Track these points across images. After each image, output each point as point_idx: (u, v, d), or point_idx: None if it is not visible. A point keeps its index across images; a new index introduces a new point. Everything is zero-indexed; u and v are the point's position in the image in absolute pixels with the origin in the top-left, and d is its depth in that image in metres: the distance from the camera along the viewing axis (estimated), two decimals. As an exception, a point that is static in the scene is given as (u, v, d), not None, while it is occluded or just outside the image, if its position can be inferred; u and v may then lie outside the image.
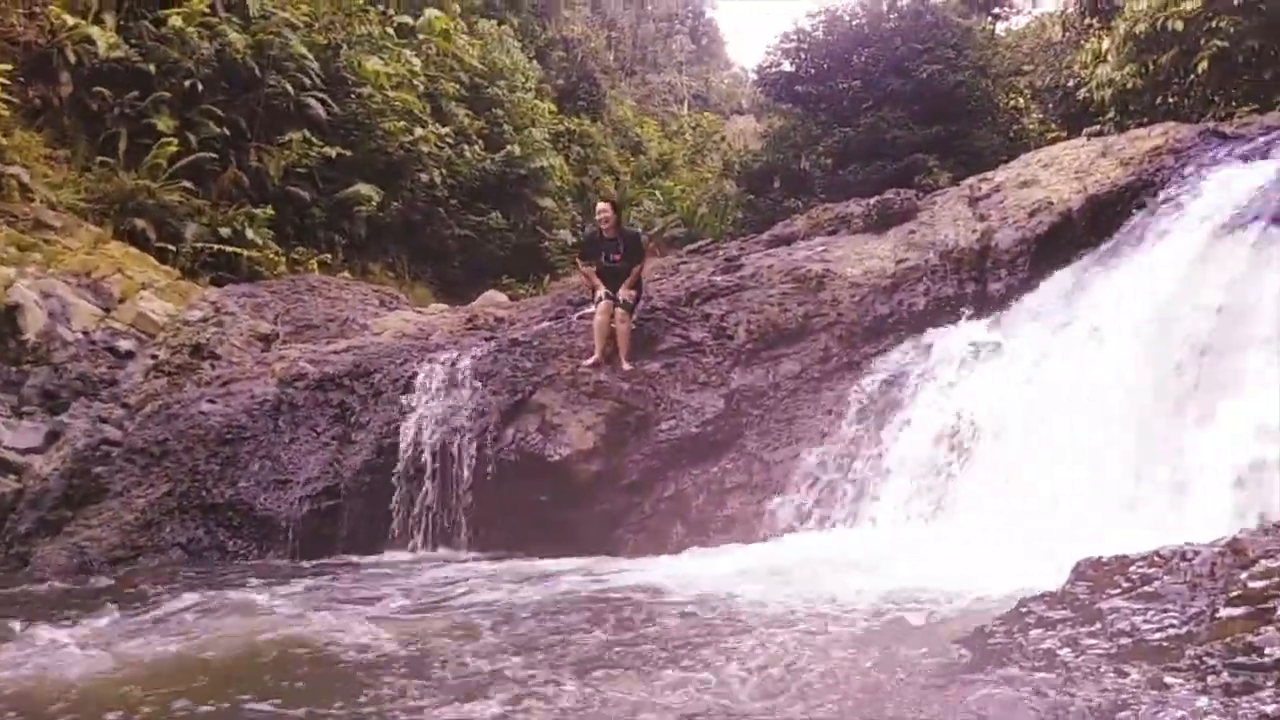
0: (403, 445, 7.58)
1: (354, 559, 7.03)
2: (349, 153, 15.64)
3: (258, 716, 3.22)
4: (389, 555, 7.19)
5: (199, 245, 12.70)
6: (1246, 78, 12.56)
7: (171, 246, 12.29)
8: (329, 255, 15.17)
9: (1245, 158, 7.31)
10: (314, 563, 6.95)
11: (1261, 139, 7.55)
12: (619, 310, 7.97)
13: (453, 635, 4.24)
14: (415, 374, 8.10)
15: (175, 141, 13.09)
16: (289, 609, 4.90)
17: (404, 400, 7.89)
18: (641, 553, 6.68)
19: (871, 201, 9.41)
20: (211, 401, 8.29)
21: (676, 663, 3.53)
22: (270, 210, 13.95)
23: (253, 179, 14.34)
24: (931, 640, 3.36)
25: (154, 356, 9.45)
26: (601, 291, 8.09)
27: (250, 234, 13.34)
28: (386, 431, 7.73)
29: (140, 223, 12.20)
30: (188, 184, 13.11)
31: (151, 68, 13.51)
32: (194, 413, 8.15)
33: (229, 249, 12.93)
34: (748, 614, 4.26)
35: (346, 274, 14.33)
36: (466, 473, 7.44)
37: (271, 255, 13.60)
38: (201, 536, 7.43)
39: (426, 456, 7.49)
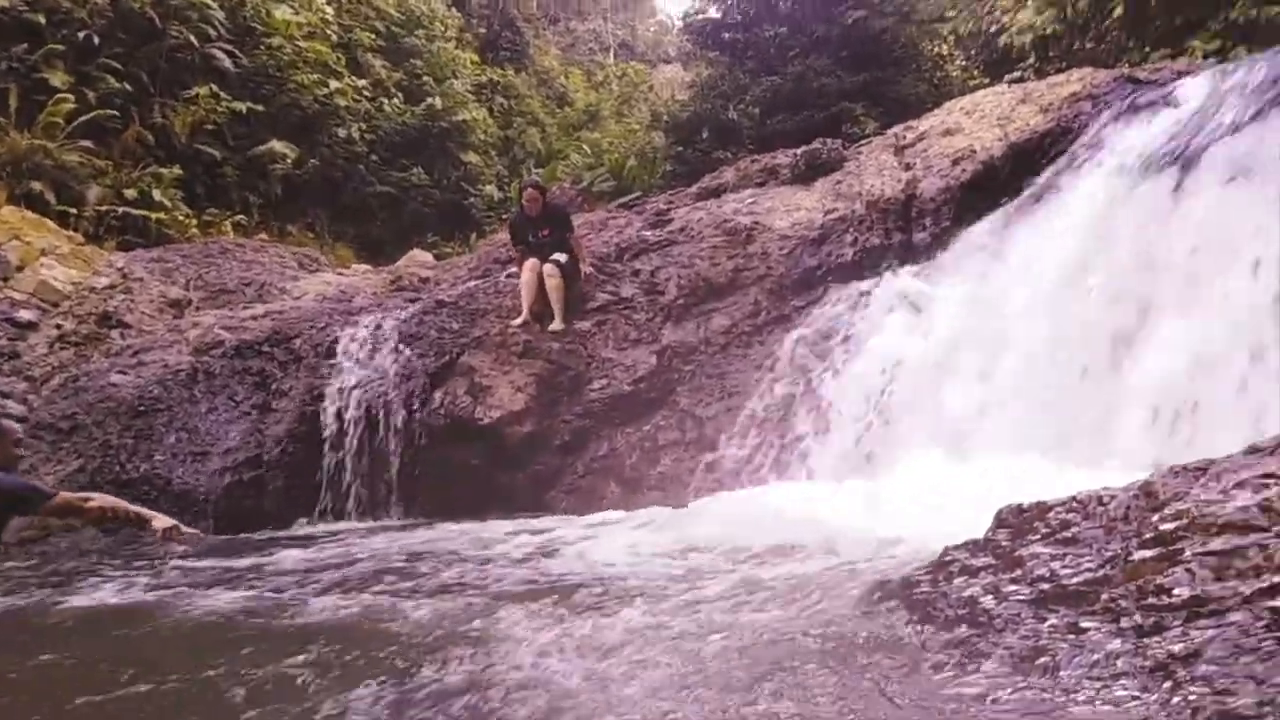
0: (327, 413, 7.38)
1: (278, 533, 6.85)
2: (260, 108, 15.02)
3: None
4: (317, 527, 7.03)
5: (103, 208, 12.10)
6: (1159, 23, 12.79)
7: (73, 210, 11.67)
8: (243, 216, 14.61)
9: (1157, 103, 7.44)
10: (227, 539, 6.73)
11: (1173, 84, 7.69)
12: (547, 266, 7.83)
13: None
14: (337, 338, 7.88)
15: (72, 98, 12.38)
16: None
17: (326, 366, 7.67)
18: (574, 513, 6.65)
19: (799, 152, 9.37)
20: (122, 372, 7.96)
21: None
22: (178, 170, 13.35)
23: (158, 137, 13.68)
24: (861, 592, 3.38)
25: (58, 326, 9.01)
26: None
27: (158, 195, 12.75)
28: (309, 399, 7.52)
29: (38, 185, 11.55)
30: (88, 143, 12.44)
31: (41, 18, 12.72)
32: (104, 384, 7.82)
33: (135, 212, 12.34)
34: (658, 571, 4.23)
35: (263, 236, 13.83)
36: (395, 439, 7.30)
37: (181, 218, 13.04)
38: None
39: (352, 423, 7.31)
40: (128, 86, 13.37)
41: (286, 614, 3.98)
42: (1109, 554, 2.47)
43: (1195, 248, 5.57)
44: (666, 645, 3.03)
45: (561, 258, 7.90)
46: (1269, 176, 5.53)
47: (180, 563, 5.34)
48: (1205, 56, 10.65)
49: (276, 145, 15.13)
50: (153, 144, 13.49)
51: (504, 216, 15.32)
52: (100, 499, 4.50)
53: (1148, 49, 12.68)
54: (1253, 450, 2.40)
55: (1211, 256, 5.43)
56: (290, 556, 5.38)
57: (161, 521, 4.37)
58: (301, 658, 3.26)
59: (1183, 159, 6.28)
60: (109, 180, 12.44)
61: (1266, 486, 2.18)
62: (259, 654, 3.38)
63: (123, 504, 4.48)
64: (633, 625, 3.31)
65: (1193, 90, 7.03)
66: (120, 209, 12.21)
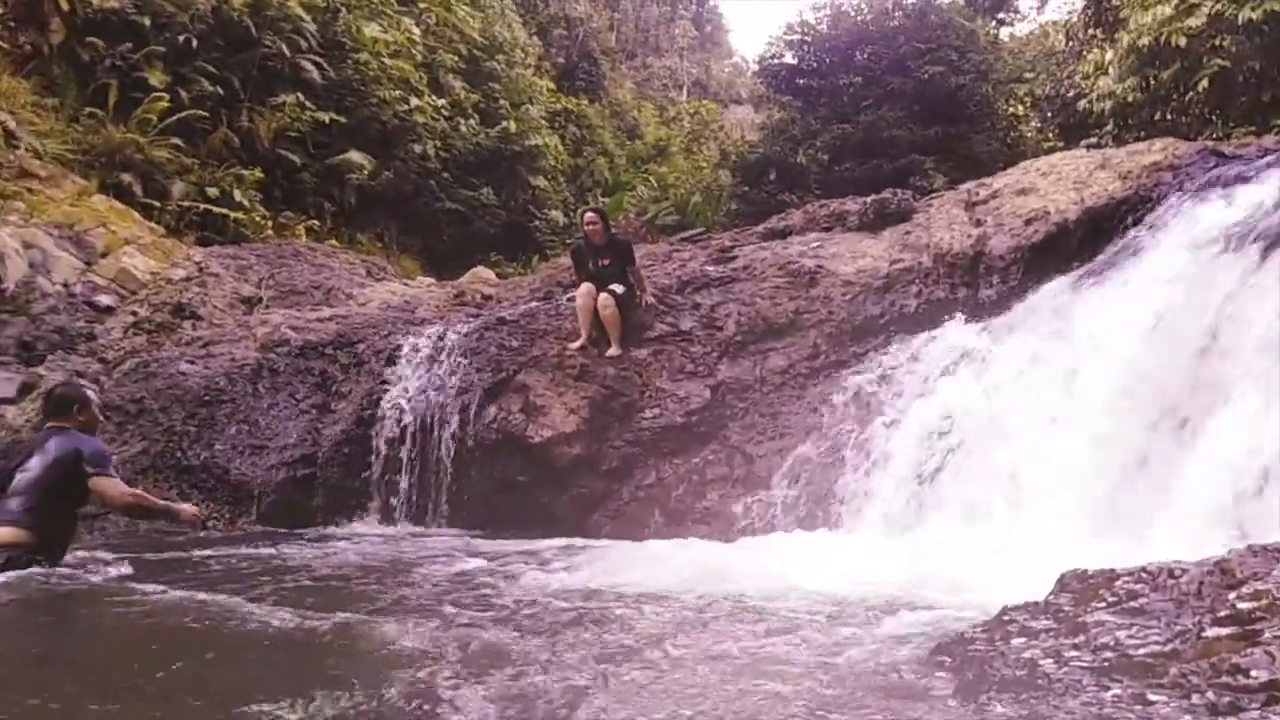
0: (383, 417, 7.51)
1: (328, 530, 6.96)
2: (342, 119, 15.48)
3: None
4: (362, 528, 7.13)
5: (185, 204, 12.54)
6: (1245, 99, 12.62)
7: (157, 203, 12.13)
8: (317, 222, 15.02)
9: (1242, 180, 7.31)
10: (287, 531, 6.88)
11: (1259, 160, 7.55)
12: (603, 295, 7.90)
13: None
14: (400, 346, 8.02)
15: (166, 97, 12.90)
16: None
17: (387, 372, 7.81)
18: (617, 538, 6.65)
19: (868, 200, 9.37)
20: (191, 362, 8.19)
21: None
22: (259, 172, 13.79)
23: (243, 140, 14.17)
24: (912, 645, 3.34)
25: (134, 313, 9.31)
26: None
27: (238, 195, 13.18)
28: (367, 403, 7.65)
29: (127, 177, 12.02)
30: (177, 141, 12.94)
31: (146, 20, 13.29)
32: (172, 372, 8.05)
33: (215, 209, 12.78)
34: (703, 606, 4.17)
35: (334, 242, 14.20)
36: (446, 449, 7.38)
37: (258, 218, 13.46)
38: (174, 498, 7.33)
39: (407, 430, 7.42)
40: (220, 90, 13.89)
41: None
42: (1179, 628, 2.41)
43: (1273, 326, 5.44)
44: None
45: (619, 288, 7.96)
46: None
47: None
48: (1292, 135, 10.47)
49: (354, 156, 15.55)
50: (237, 146, 13.97)
51: (567, 241, 15.54)
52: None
53: (1231, 124, 12.51)
54: (1340, 534, 2.34)
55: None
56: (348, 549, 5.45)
57: (188, 512, 4.79)
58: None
59: (1266, 236, 6.15)
60: (193, 178, 12.90)
61: (1354, 572, 2.12)
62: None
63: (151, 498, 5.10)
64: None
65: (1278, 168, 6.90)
66: (202, 206, 12.64)
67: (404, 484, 7.35)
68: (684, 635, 3.61)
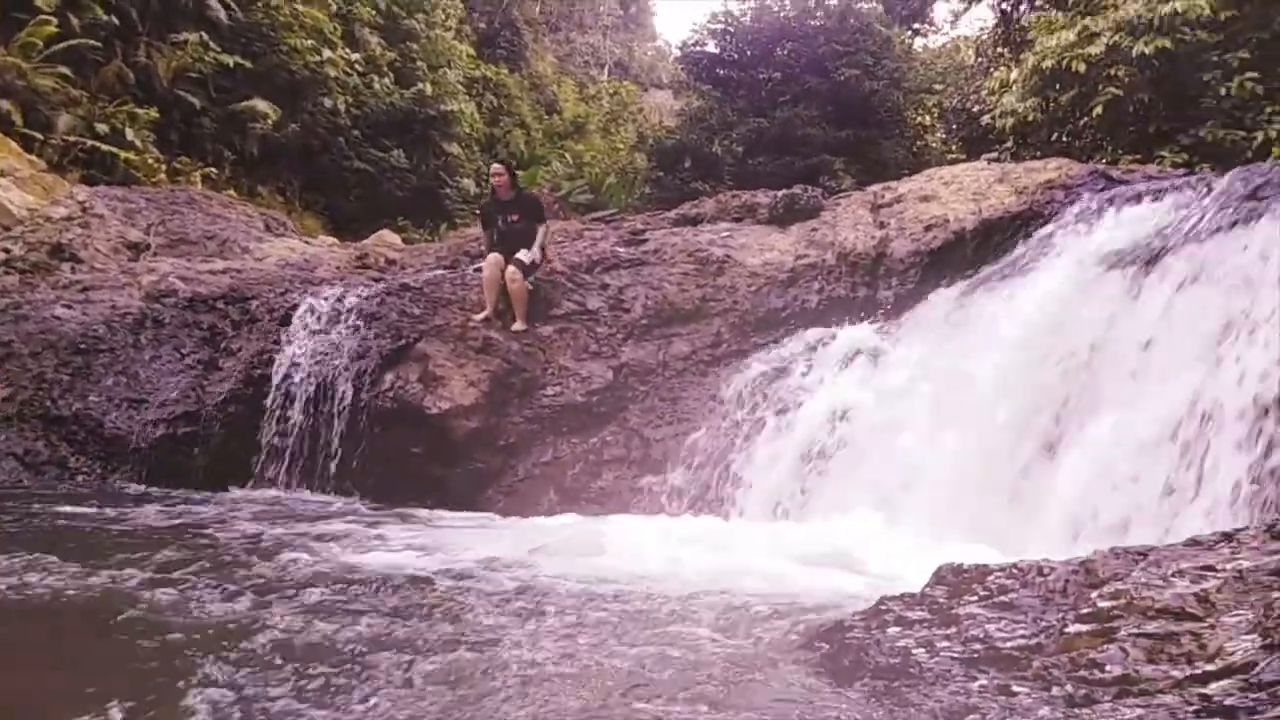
0: (275, 378, 7.26)
1: (207, 492, 6.70)
2: (248, 64, 14.81)
3: None
4: (246, 491, 6.90)
5: (71, 139, 11.80)
6: (1133, 129, 13.32)
7: (39, 135, 11.37)
8: (215, 170, 14.35)
9: (1128, 203, 7.73)
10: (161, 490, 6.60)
11: (1143, 186, 8.00)
12: (510, 268, 7.82)
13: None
14: (296, 306, 7.77)
15: (54, 21, 12.06)
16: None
17: (281, 332, 7.55)
18: (511, 514, 6.62)
19: (779, 194, 9.52)
20: (68, 306, 7.74)
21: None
22: (155, 112, 13.08)
23: (139, 77, 13.41)
24: (789, 632, 3.43)
25: (6, 250, 8.72)
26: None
27: (130, 135, 12.47)
28: (258, 362, 7.39)
29: (6, 104, 11.23)
30: (65, 70, 12.14)
31: (34, -63, 12.39)
32: (46, 316, 7.59)
33: (104, 147, 12.06)
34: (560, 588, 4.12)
35: (232, 192, 13.59)
36: (339, 415, 7.20)
37: (151, 161, 12.77)
38: (41, 449, 6.95)
39: (299, 393, 7.20)
40: (115, 20, 13.09)
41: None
42: (1044, 624, 2.55)
43: (1146, 343, 5.78)
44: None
45: (525, 257, 7.87)
46: (1220, 286, 5.77)
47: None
48: (1174, 166, 11.10)
49: (259, 104, 14.92)
50: (133, 83, 13.22)
51: (477, 211, 15.30)
52: None
53: (1120, 151, 13.18)
54: (1194, 542, 2.51)
55: (1158, 355, 5.63)
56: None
57: None
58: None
59: (1144, 259, 6.52)
60: (81, 111, 12.14)
61: (1204, 578, 2.28)
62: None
63: None
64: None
65: (1161, 195, 7.31)
66: (89, 142, 11.91)
67: (293, 448, 7.13)
68: (535, 620, 3.56)
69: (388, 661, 2.95)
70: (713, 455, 6.95)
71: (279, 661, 2.92)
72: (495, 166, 8.42)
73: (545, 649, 3.15)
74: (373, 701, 2.62)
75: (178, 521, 5.35)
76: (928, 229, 8.45)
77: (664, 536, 5.50)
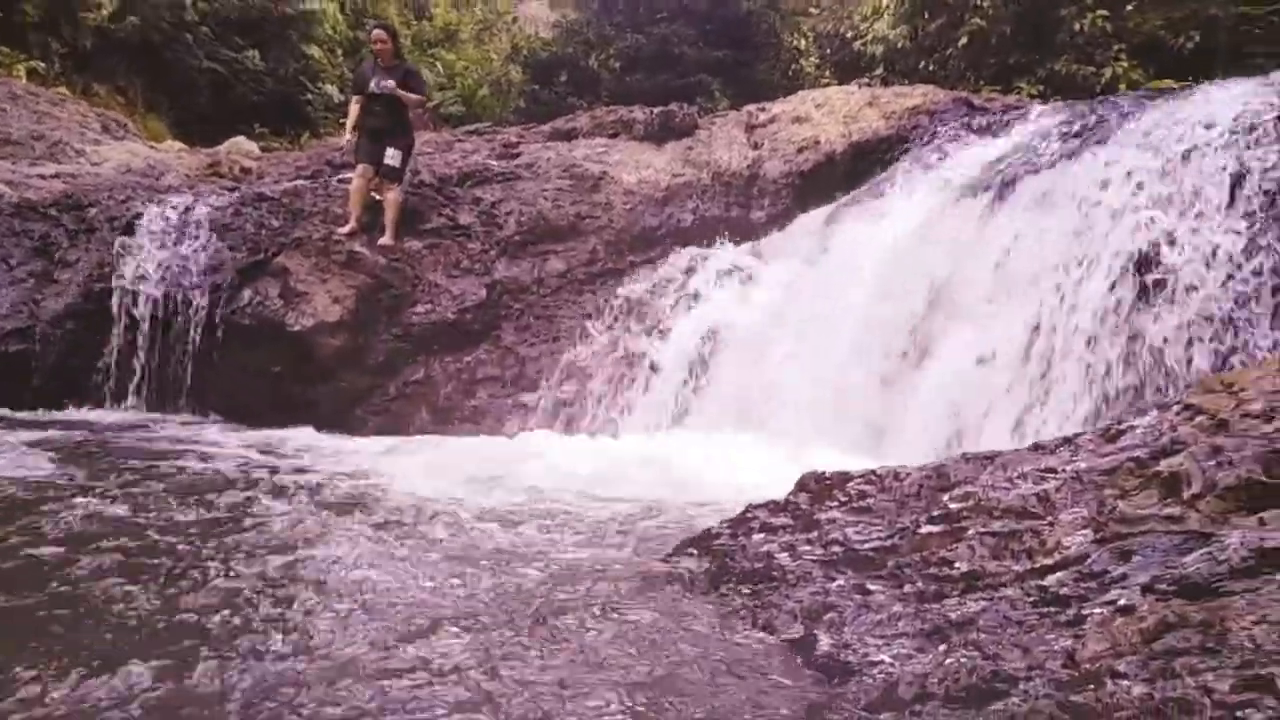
0: (117, 292, 6.77)
1: (48, 414, 6.26)
2: (78, -54, 13.37)
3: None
4: (93, 413, 6.47)
5: None
6: (994, 60, 13.76)
7: None
8: (42, 64, 13.00)
9: (987, 131, 8.02)
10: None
11: (1002, 115, 8.31)
12: (383, 180, 7.47)
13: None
14: (140, 215, 7.21)
15: None
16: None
17: (123, 242, 7.02)
18: (381, 434, 6.47)
19: (655, 111, 9.42)
20: None
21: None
22: (-33, -4, 11.69)
23: (-54, -47, 11.91)
24: (660, 540, 3.50)
25: None
26: (352, 138, 7.62)
27: (-62, 20, 11.13)
28: (98, 274, 6.87)
29: None
30: None
31: None
32: None
33: (-93, 33, 10.73)
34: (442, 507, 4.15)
35: (63, 89, 12.38)
36: (193, 331, 6.81)
37: (-37, 50, 11.47)
38: None
39: (146, 308, 6.75)
40: (-87, -115, 11.52)
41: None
42: (899, 526, 2.68)
43: (997, 264, 6.07)
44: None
45: (396, 157, 7.49)
46: (1065, 209, 6.11)
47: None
48: (1031, 97, 11.56)
49: (91, -8, 13.54)
50: (-63, -41, 11.73)
51: (341, 120, 14.51)
52: None
53: (981, 82, 13.62)
54: (1037, 447, 2.68)
55: (1008, 273, 5.93)
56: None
57: None
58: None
59: (997, 186, 6.81)
60: (-125, -11, 10.72)
61: (1045, 479, 2.43)
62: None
63: None
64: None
65: (1017, 123, 7.63)
66: (-114, 26, 10.56)
67: (141, 366, 6.71)
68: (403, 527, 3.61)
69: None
70: (588, 373, 6.95)
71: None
72: (377, 32, 7.81)
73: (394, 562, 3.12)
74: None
75: None
76: (800, 150, 8.55)
77: (538, 453, 5.50)
